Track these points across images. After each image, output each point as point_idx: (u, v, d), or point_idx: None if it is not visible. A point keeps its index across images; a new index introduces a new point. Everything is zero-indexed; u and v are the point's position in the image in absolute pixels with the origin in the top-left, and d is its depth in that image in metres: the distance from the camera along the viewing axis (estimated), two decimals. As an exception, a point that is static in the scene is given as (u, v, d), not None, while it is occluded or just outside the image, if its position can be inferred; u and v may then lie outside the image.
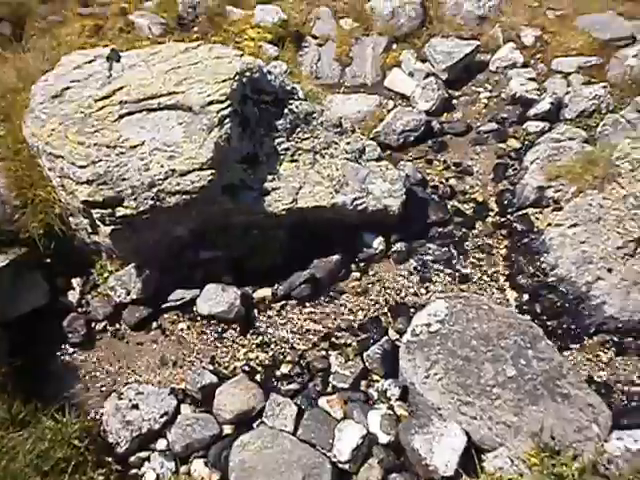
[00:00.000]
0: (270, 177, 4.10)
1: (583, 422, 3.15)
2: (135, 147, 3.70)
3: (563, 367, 3.40)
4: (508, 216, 4.60)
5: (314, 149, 4.38)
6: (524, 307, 3.98)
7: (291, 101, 4.48)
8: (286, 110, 4.38)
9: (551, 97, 5.40)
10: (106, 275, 4.08)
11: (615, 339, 3.81)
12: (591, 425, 3.14)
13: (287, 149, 4.28)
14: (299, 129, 4.40)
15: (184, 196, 3.67)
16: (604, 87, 5.30)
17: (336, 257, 4.20)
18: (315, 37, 6.34)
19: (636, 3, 6.58)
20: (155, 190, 3.63)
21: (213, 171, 3.66)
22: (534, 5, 6.83)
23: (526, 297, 4.05)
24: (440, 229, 4.52)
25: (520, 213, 4.58)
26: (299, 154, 4.32)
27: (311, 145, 4.39)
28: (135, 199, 3.63)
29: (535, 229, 4.42)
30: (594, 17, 6.32)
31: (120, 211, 3.65)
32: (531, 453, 3.00)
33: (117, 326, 3.98)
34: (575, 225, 4.18)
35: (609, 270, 3.93)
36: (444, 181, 4.94)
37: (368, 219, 4.29)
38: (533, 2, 6.89)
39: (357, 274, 4.23)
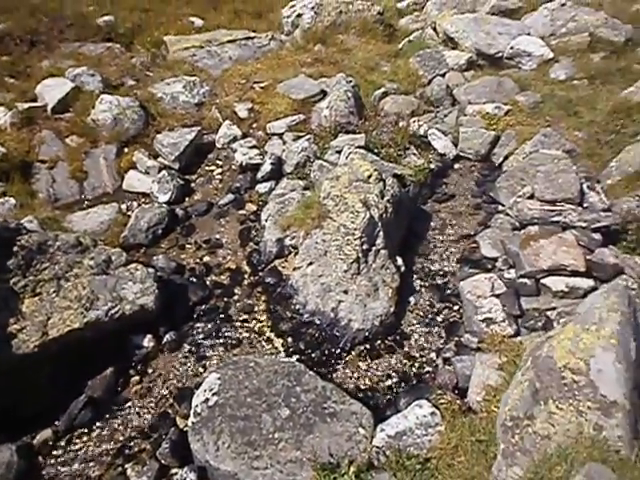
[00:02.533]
0: (12, 320, 4.03)
1: (351, 430, 3.62)
2: None
3: (327, 390, 3.87)
4: (260, 273, 5.10)
5: (56, 275, 4.42)
6: (291, 349, 4.44)
7: (19, 237, 4.47)
8: (15, 248, 4.37)
9: (271, 158, 6.16)
10: None
11: (367, 347, 4.44)
12: (358, 430, 3.63)
13: (26, 285, 4.26)
14: (35, 261, 4.41)
15: None
16: (308, 139, 6.21)
17: (110, 370, 4.24)
18: (44, 162, 6.36)
19: (319, 65, 7.85)
20: None
21: (-62, 339, 3.53)
22: (242, 82, 7.74)
23: (290, 340, 4.52)
24: (204, 306, 4.84)
25: (269, 267, 5.11)
26: (41, 286, 4.32)
27: (52, 273, 4.42)
28: None
29: (284, 277, 4.97)
30: (290, 82, 7.37)
31: None
32: (314, 477, 3.37)
33: None
34: (311, 263, 4.81)
35: (345, 292, 4.60)
36: (199, 260, 5.30)
37: (130, 322, 4.43)
38: (241, 80, 7.80)
39: (137, 377, 4.31)
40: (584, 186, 5.08)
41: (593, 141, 5.99)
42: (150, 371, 4.37)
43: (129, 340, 4.46)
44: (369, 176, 5.05)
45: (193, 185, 6.23)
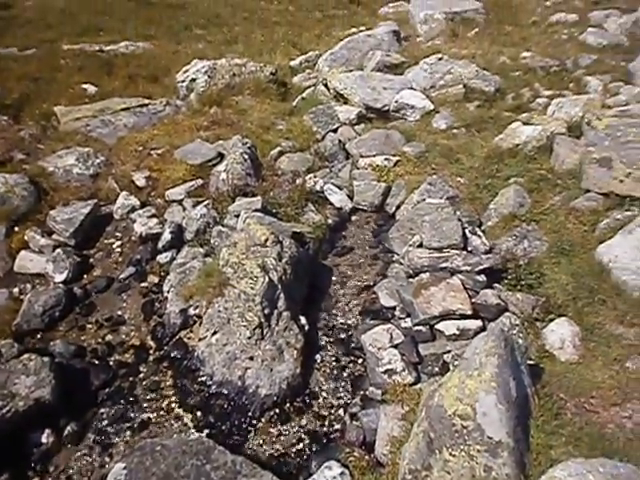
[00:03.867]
0: None
1: (264, 504, 3.62)
2: None
3: (237, 464, 3.84)
4: (165, 347, 5.03)
5: (-62, 379, 4.15)
6: (200, 424, 4.38)
7: None
8: None
9: (170, 227, 6.15)
10: None
11: (277, 411, 4.47)
12: (270, 502, 3.64)
13: None
14: None
15: None
16: (207, 205, 6.27)
17: (4, 477, 3.98)
18: None
19: (215, 128, 8.03)
20: None
21: None
22: (139, 150, 7.73)
23: (199, 414, 4.46)
24: (107, 390, 4.68)
25: (174, 340, 5.06)
26: None
27: None
28: None
29: (190, 349, 4.93)
30: (187, 147, 7.46)
31: None
32: None
33: None
34: (215, 333, 4.82)
35: (251, 358, 4.64)
36: (101, 340, 5.14)
37: (25, 419, 4.21)
38: (137, 147, 7.78)
39: (36, 479, 4.07)
40: (467, 231, 5.50)
41: (473, 186, 6.51)
42: (51, 469, 4.14)
43: (25, 438, 4.21)
44: (266, 240, 5.18)
45: (92, 260, 6.08)
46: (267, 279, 4.84)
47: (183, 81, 9.05)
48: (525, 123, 7.11)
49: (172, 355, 4.93)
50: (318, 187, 6.81)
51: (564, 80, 9.81)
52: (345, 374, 4.79)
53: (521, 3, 18.47)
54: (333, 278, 5.80)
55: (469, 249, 5.39)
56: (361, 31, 12.65)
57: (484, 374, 3.45)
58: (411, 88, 8.56)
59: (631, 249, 4.92)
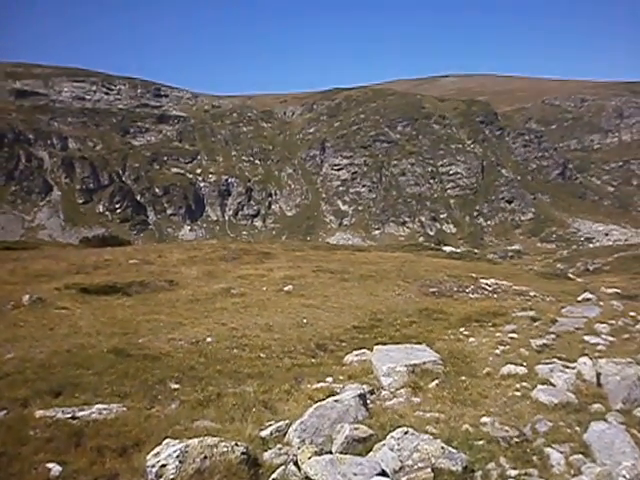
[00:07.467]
0: None
1: None
2: None
3: None
4: None
5: None
6: None
7: None
8: None
9: None
10: None
11: None
12: None
13: None
14: None
15: None
16: None
17: None
18: None
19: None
20: None
21: None
22: None
23: None
24: None
25: None
26: None
27: None
28: None
29: None
30: None
31: None
32: None
33: None
34: None
35: None
36: None
37: None
38: None
39: None
40: None
41: None
42: None
43: None
44: None
45: None
46: None
47: (153, 466, 8.96)
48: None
49: None
50: None
51: (527, 452, 10.19)
52: None
53: (473, 352, 20.45)
54: None
55: None
56: (330, 395, 13.32)
57: None
58: (381, 473, 8.64)
59: None
